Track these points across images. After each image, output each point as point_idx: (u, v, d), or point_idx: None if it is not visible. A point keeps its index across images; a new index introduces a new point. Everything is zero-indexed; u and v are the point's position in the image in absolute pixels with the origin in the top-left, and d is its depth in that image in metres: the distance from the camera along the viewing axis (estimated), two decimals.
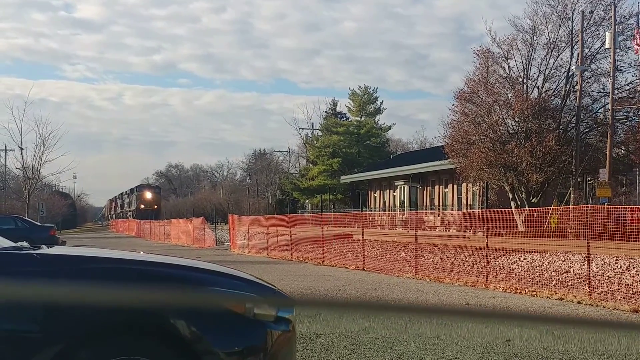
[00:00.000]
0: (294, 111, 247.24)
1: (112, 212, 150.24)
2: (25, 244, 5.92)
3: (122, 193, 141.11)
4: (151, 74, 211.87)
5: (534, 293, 16.35)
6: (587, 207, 17.98)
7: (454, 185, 50.02)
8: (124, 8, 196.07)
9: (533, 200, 36.86)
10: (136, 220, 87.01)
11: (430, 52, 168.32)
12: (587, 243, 16.12)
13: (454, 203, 50.13)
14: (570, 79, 38.46)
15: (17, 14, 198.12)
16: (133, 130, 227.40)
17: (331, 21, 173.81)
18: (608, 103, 36.39)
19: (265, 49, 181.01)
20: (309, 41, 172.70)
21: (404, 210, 54.24)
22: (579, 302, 14.80)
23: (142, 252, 7.41)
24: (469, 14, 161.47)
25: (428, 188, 54.37)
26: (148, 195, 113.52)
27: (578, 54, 37.14)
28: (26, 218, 40.46)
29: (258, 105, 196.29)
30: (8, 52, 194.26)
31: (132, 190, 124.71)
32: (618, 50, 36.15)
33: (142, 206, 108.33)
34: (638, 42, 34.76)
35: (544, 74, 38.83)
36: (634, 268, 16.51)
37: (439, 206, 51.27)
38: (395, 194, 59.88)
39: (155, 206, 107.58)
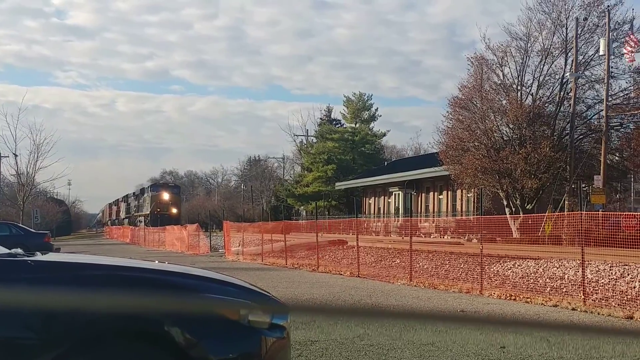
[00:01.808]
0: (288, 118, 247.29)
1: (114, 218, 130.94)
2: (19, 250, 5.91)
3: (126, 195, 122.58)
4: (144, 81, 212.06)
5: (529, 300, 16.36)
6: (581, 213, 18.01)
7: (449, 192, 50.09)
8: (116, 15, 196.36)
9: (527, 207, 36.93)
10: (130, 227, 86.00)
11: (423, 59, 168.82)
12: (582, 249, 16.13)
13: (449, 210, 50.15)
14: (565, 85, 38.56)
15: (9, 20, 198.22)
16: (127, 136, 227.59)
17: (324, 28, 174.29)
18: (602, 110, 36.50)
19: (258, 55, 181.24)
20: (302, 48, 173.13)
21: (398, 216, 54.24)
22: (573, 309, 14.81)
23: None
24: (461, 21, 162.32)
25: (423, 194, 54.41)
26: (166, 196, 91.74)
27: (572, 61, 37.24)
28: (20, 225, 40.35)
29: (252, 112, 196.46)
30: (0, 59, 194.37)
31: (142, 190, 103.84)
32: (612, 57, 36.26)
33: (158, 210, 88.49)
34: (631, 48, 34.88)
35: (538, 81, 39.01)
36: (628, 274, 16.53)
37: (433, 213, 51.28)
38: (390, 200, 59.89)
39: (175, 210, 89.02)
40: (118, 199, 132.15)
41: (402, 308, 14.85)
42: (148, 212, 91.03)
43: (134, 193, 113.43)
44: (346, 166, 75.59)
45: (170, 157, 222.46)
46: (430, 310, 14.54)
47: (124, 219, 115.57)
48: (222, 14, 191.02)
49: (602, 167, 35.25)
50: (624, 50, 35.64)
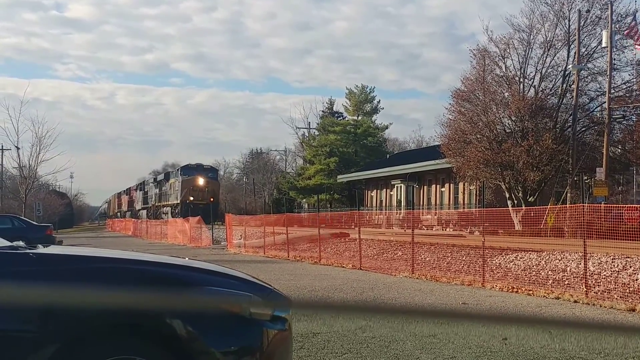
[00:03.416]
0: (290, 111, 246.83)
1: (126, 209, 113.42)
2: (21, 243, 5.91)
3: (142, 182, 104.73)
4: (143, 74, 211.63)
5: (531, 292, 16.36)
6: (583, 206, 18.00)
7: (451, 185, 50.05)
8: (115, 8, 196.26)
9: (530, 199, 36.90)
10: (133, 219, 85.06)
11: (421, 52, 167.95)
12: (584, 242, 16.13)
13: (451, 202, 50.15)
14: (567, 78, 38.54)
15: (7, 13, 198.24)
16: (127, 129, 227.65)
17: (322, 21, 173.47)
18: (605, 102, 36.42)
19: (257, 48, 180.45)
20: (300, 41, 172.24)
21: (400, 209, 54.27)
22: (575, 301, 14.81)
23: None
24: (459, 14, 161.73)
25: (425, 187, 54.41)
26: (201, 181, 72.80)
27: (575, 53, 37.18)
28: (23, 217, 40.42)
29: (251, 105, 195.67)
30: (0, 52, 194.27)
31: (168, 175, 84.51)
32: (615, 49, 36.20)
33: (192, 198, 70.82)
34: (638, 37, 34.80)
35: (541, 73, 38.94)
36: (630, 267, 16.52)
37: (435, 205, 51.30)
38: (392, 193, 59.91)
39: (212, 199, 69.28)
40: (130, 188, 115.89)
41: (404, 300, 14.87)
42: (178, 201, 73.31)
43: (154, 179, 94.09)
44: (348, 159, 75.55)
45: (170, 150, 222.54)
46: (432, 304, 14.55)
47: (140, 210, 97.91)
48: (220, 7, 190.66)
49: (604, 160, 35.18)
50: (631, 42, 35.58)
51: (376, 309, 5.71)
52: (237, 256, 31.73)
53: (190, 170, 75.30)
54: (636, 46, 35.45)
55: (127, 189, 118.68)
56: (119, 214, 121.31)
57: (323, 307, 4.67)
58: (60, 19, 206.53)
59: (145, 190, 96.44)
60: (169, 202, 78.38)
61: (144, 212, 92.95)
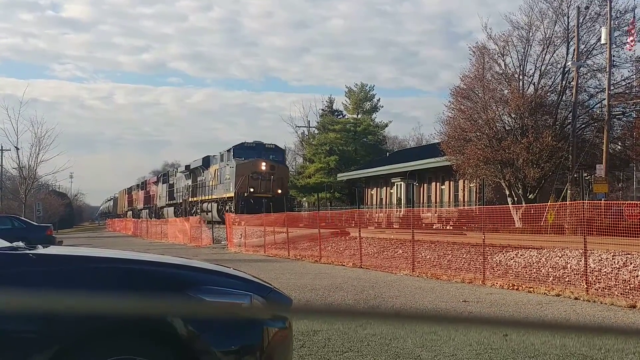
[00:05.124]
0: (289, 109, 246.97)
1: (142, 206, 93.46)
2: (21, 244, 5.91)
3: (166, 173, 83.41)
4: (141, 73, 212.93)
5: (531, 289, 16.36)
6: (583, 202, 18.02)
7: (451, 182, 50.05)
8: (111, 7, 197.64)
9: (530, 197, 36.88)
10: (134, 219, 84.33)
11: (419, 50, 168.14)
12: (584, 239, 16.13)
13: (451, 200, 50.13)
14: (566, 75, 38.47)
15: (4, 13, 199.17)
16: (126, 129, 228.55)
17: (319, 19, 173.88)
18: (604, 99, 36.40)
19: (255, 47, 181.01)
20: (298, 39, 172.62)
21: (400, 207, 54.23)
22: (576, 298, 14.81)
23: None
24: (456, 12, 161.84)
25: (425, 185, 54.39)
26: (264, 166, 52.47)
27: (574, 50, 37.15)
28: (23, 218, 40.43)
29: (250, 104, 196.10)
30: None
31: (207, 160, 61.71)
32: (614, 46, 36.18)
33: (252, 190, 51.29)
34: (633, 38, 34.82)
35: (540, 70, 38.90)
36: (631, 263, 16.51)
37: (435, 203, 51.26)
38: (392, 191, 59.87)
39: (279, 190, 52.33)
40: (146, 181, 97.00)
41: (404, 299, 14.87)
42: (230, 194, 52.70)
43: (187, 166, 70.30)
44: (348, 157, 75.49)
45: (171, 150, 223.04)
46: (434, 309, 14.56)
47: (163, 207, 77.67)
48: (216, 6, 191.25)
49: (604, 156, 35.17)
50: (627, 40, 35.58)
51: (379, 315, 5.71)
52: (237, 255, 31.74)
53: (247, 151, 54.50)
54: (627, 46, 35.47)
55: (141, 183, 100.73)
56: (130, 212, 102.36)
57: (324, 311, 4.65)
58: (57, 19, 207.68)
59: (171, 182, 75.62)
60: (214, 196, 57.30)
61: (170, 209, 72.46)
